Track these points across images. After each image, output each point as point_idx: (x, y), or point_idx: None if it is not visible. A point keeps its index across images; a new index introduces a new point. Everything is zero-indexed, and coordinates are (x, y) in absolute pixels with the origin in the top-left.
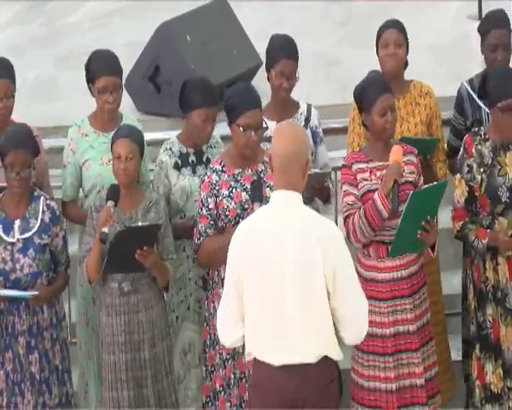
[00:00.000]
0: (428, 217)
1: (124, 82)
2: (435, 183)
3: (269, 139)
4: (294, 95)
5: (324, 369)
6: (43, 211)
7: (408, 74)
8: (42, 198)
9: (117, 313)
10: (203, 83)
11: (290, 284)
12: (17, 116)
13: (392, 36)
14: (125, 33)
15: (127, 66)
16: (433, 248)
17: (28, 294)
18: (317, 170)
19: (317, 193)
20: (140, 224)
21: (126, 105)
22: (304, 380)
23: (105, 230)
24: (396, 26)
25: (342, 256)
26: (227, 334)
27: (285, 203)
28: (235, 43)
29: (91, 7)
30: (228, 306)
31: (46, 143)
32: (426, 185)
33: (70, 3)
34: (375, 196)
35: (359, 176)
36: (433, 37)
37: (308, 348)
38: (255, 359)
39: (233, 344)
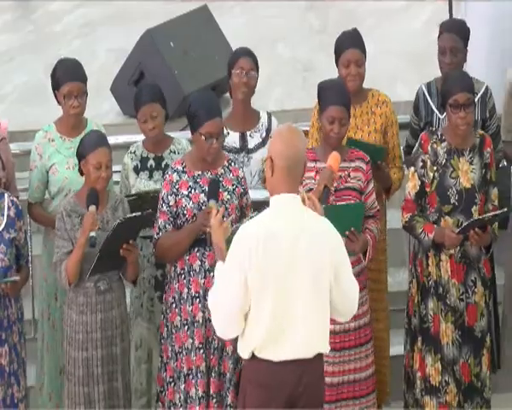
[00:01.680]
0: (352, 228)
1: (110, 87)
2: (351, 202)
3: (233, 150)
4: (271, 98)
5: (317, 363)
6: (8, 207)
7: (380, 79)
8: (6, 195)
9: (92, 311)
10: (142, 85)
11: (303, 285)
12: (6, 119)
13: (353, 56)
14: (110, 40)
15: (112, 71)
16: (364, 255)
17: (12, 279)
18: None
19: None
20: (134, 214)
21: (112, 109)
22: (302, 375)
23: (93, 234)
24: (356, 44)
25: (342, 252)
26: (233, 326)
27: (290, 206)
28: (217, 49)
29: (78, 15)
30: (235, 298)
31: (31, 145)
32: (340, 203)
33: (57, 12)
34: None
35: (305, 174)
36: (405, 43)
37: (309, 345)
38: (253, 355)
39: (227, 337)
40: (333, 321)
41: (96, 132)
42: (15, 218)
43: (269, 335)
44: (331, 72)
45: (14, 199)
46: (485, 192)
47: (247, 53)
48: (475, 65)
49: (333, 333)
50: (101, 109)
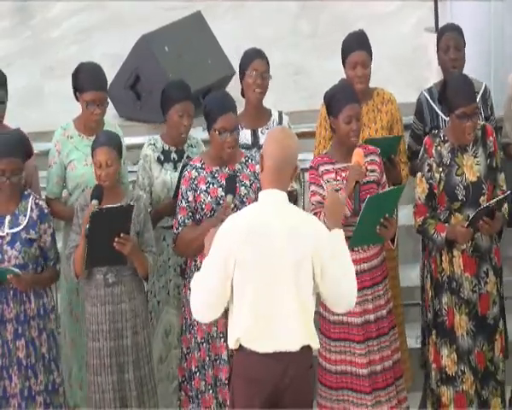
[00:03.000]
0: (387, 215)
1: None
2: (393, 187)
3: (244, 146)
4: (265, 101)
5: (304, 357)
6: (31, 209)
7: (371, 82)
8: (31, 197)
9: (102, 303)
10: (178, 81)
11: (286, 277)
12: (7, 122)
13: (360, 58)
14: (106, 46)
15: (108, 75)
16: (392, 240)
17: (11, 269)
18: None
19: None
20: (111, 205)
21: (109, 111)
22: (288, 367)
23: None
24: (362, 45)
25: (327, 246)
26: (207, 314)
27: (276, 201)
28: (210, 53)
29: (74, 21)
30: (212, 290)
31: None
32: (383, 190)
33: (55, 18)
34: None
35: (326, 177)
36: (394, 47)
37: (294, 338)
38: (240, 346)
39: (205, 320)
40: (363, 312)
41: (105, 132)
42: (38, 220)
43: (253, 326)
44: (322, 75)
45: (40, 202)
46: (492, 180)
47: (260, 55)
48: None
49: (355, 326)
50: None
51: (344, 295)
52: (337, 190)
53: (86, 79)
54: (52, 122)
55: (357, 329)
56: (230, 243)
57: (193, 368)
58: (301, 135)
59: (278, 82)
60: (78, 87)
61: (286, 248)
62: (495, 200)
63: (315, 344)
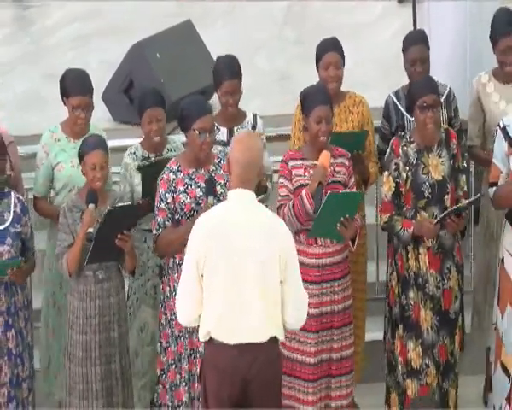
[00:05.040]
0: (347, 215)
1: (101, 95)
2: (352, 191)
3: (221, 143)
4: (252, 105)
5: (271, 348)
6: (14, 204)
7: (352, 85)
8: (12, 193)
9: (92, 298)
10: (149, 89)
11: (252, 271)
12: (6, 125)
13: (333, 59)
14: (101, 52)
15: (103, 80)
16: (353, 241)
17: (14, 260)
18: None
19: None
20: (125, 203)
21: (104, 115)
22: (255, 358)
23: (90, 230)
24: (334, 47)
25: (292, 249)
26: (185, 314)
27: (243, 200)
28: (200, 60)
29: (72, 29)
30: (188, 289)
31: (31, 148)
32: (343, 191)
33: (53, 26)
34: (303, 193)
35: (294, 171)
36: (376, 54)
37: (262, 329)
38: (211, 338)
39: (189, 324)
40: (319, 304)
41: (94, 136)
42: (21, 214)
43: (222, 319)
44: (307, 80)
45: (20, 196)
46: (454, 181)
47: (232, 76)
48: (439, 70)
49: (319, 316)
50: (94, 116)
51: (299, 303)
52: (303, 186)
53: (72, 84)
54: (51, 125)
55: (312, 320)
56: (199, 244)
57: (169, 361)
58: (286, 137)
59: (264, 86)
60: (65, 92)
61: (254, 244)
62: (467, 202)
63: (281, 336)
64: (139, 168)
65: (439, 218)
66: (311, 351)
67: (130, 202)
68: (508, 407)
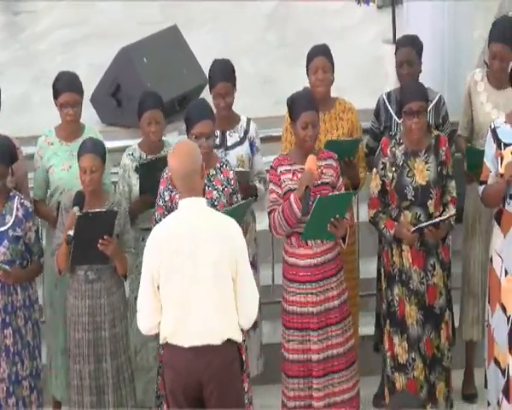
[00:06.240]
0: (337, 215)
1: (90, 98)
2: (344, 192)
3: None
4: (237, 107)
5: (227, 350)
6: (17, 208)
7: (333, 90)
8: (16, 198)
9: (82, 297)
10: (148, 92)
11: (205, 273)
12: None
13: (321, 63)
14: (88, 57)
15: (91, 84)
16: (344, 240)
17: (4, 266)
18: (240, 169)
19: (244, 189)
20: (97, 210)
21: (92, 117)
22: (210, 360)
23: (70, 232)
24: (324, 53)
25: (242, 249)
26: (144, 323)
27: (192, 207)
28: (185, 64)
29: (60, 35)
30: (146, 298)
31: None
32: (332, 193)
33: (42, 32)
34: (291, 197)
35: (283, 177)
36: (355, 58)
37: (216, 332)
38: (167, 342)
39: (150, 331)
40: (314, 303)
41: (90, 140)
42: (23, 219)
43: (176, 323)
44: (289, 83)
45: (24, 201)
46: (442, 187)
47: (225, 78)
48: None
49: (315, 314)
50: (82, 118)
51: (251, 303)
52: (292, 190)
53: (61, 83)
54: (40, 127)
55: (301, 317)
56: (151, 257)
57: None
58: (270, 139)
59: (248, 89)
60: (55, 93)
61: (204, 247)
62: (439, 219)
63: (238, 337)
64: (137, 168)
65: (416, 228)
66: (314, 348)
67: (105, 209)
68: (505, 399)
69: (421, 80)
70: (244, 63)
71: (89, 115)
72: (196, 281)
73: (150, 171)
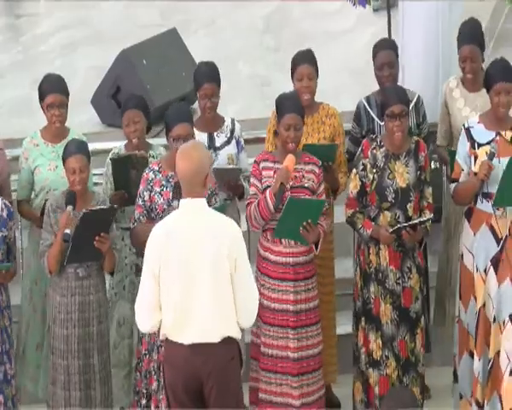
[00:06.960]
0: (309, 220)
1: (90, 99)
2: (314, 198)
3: None
4: (232, 109)
5: (226, 347)
6: (1, 209)
7: (327, 92)
8: (0, 198)
9: (72, 294)
10: (130, 94)
11: (204, 275)
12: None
13: (306, 70)
14: (89, 59)
15: (92, 86)
16: (316, 245)
17: (5, 264)
18: (232, 166)
19: (232, 188)
20: (99, 207)
21: (93, 119)
22: (209, 357)
23: (67, 231)
24: (308, 60)
25: (242, 251)
26: (146, 320)
27: (194, 208)
28: (184, 66)
29: (60, 37)
30: (146, 296)
31: (19, 151)
32: (303, 197)
33: (42, 34)
34: (266, 192)
35: (264, 172)
36: (350, 61)
37: (214, 330)
38: (167, 339)
39: (152, 329)
40: (286, 301)
41: (75, 141)
42: (7, 218)
43: (176, 321)
44: (286, 86)
45: (6, 202)
46: (420, 191)
47: (210, 80)
48: (414, 75)
49: (287, 312)
50: (83, 119)
51: (250, 302)
52: (268, 187)
53: (47, 85)
54: (39, 128)
55: (269, 313)
56: (152, 255)
57: (144, 350)
58: (264, 139)
59: (246, 92)
60: (41, 95)
61: (204, 247)
62: (419, 220)
63: (237, 335)
64: (111, 160)
65: (393, 229)
66: (291, 346)
67: (104, 206)
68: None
69: (415, 82)
70: (242, 66)
71: (90, 117)
72: (196, 279)
73: (122, 167)
